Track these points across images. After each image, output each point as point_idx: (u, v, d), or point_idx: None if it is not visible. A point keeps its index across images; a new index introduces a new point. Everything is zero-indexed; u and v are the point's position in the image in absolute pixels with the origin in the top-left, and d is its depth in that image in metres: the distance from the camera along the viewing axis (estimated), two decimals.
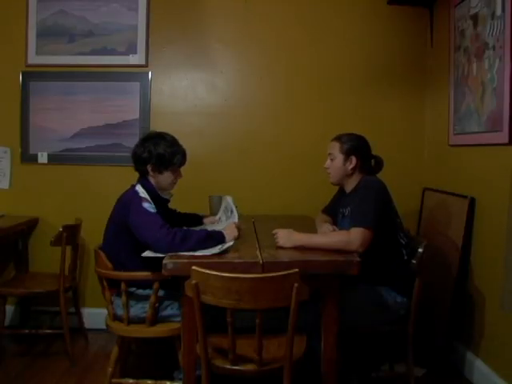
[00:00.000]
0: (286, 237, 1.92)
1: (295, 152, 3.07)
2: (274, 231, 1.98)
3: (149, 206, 2.01)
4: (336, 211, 2.33)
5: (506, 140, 2.11)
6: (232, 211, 2.18)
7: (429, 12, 3.01)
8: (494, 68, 2.22)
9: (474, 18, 2.42)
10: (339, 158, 2.15)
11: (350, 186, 2.20)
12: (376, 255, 1.98)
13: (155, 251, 1.86)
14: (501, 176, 2.17)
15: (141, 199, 2.04)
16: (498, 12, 2.18)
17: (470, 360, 2.39)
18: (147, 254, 1.87)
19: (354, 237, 1.87)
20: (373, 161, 2.23)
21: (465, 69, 2.54)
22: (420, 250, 2.02)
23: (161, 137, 2.19)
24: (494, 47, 2.22)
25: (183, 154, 2.22)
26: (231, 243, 1.90)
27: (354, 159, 2.13)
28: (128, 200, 2.07)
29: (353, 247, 1.85)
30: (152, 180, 2.18)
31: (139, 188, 2.12)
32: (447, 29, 2.75)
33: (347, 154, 2.14)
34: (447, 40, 2.75)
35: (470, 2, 2.47)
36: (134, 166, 2.22)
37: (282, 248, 1.89)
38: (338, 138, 2.19)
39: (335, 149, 2.17)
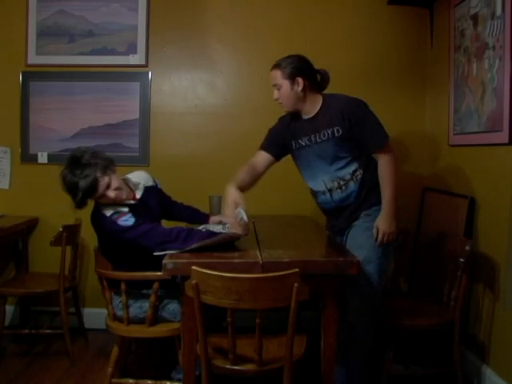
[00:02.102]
0: (388, 227, 2.01)
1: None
2: (377, 235, 2.03)
3: (124, 220, 1.92)
4: (285, 143, 2.23)
5: (506, 140, 2.11)
6: (242, 218, 2.13)
7: (429, 12, 3.01)
8: (494, 68, 2.22)
9: (474, 18, 2.42)
10: (285, 84, 2.06)
11: (309, 108, 2.12)
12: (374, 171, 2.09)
13: (162, 250, 1.85)
14: (501, 176, 2.17)
15: (112, 220, 1.94)
16: (498, 12, 2.18)
17: (477, 366, 2.39)
18: (157, 252, 1.86)
19: (391, 155, 2.04)
20: (318, 76, 2.14)
21: (465, 69, 2.54)
22: (467, 247, 2.09)
23: (65, 174, 1.94)
24: (493, 47, 2.22)
25: (90, 183, 1.92)
26: (239, 232, 1.90)
27: (300, 80, 2.05)
28: (105, 231, 1.99)
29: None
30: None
31: (101, 207, 2.00)
32: (447, 29, 2.75)
33: (292, 78, 2.05)
34: (447, 40, 2.75)
35: (469, 2, 2.47)
36: None
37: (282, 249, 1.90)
38: (277, 66, 2.09)
39: (277, 77, 2.08)
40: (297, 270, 1.55)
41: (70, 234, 2.59)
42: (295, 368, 1.67)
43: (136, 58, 3.06)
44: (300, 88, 2.06)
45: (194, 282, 1.58)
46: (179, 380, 2.02)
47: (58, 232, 2.54)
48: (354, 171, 2.10)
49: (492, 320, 2.24)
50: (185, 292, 1.65)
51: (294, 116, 2.20)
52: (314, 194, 2.25)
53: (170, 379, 2.13)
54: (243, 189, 2.13)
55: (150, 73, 3.08)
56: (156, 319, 2.04)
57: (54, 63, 3.06)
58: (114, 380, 2.07)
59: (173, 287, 2.11)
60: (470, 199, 2.40)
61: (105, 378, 2.08)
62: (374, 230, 2.05)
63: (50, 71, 3.07)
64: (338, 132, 2.05)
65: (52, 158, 3.07)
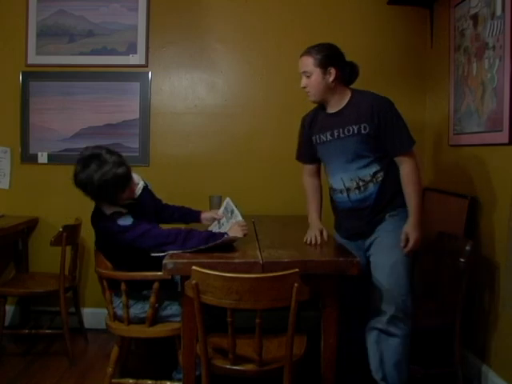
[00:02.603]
0: (418, 234, 1.95)
1: (295, 152, 3.06)
2: (406, 243, 1.96)
3: (123, 220, 1.92)
4: (315, 146, 2.15)
5: (506, 140, 2.11)
6: (233, 211, 2.14)
7: (429, 12, 3.01)
8: (494, 68, 2.22)
9: (474, 18, 2.42)
10: (316, 72, 1.97)
11: (336, 101, 2.04)
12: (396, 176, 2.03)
13: (162, 252, 1.85)
14: (501, 176, 2.17)
15: (112, 219, 1.93)
16: (498, 12, 2.18)
17: (477, 366, 2.39)
18: (156, 253, 1.86)
19: (415, 160, 1.99)
20: (348, 68, 2.06)
21: (465, 69, 2.54)
22: (468, 248, 2.08)
23: (92, 175, 1.92)
24: (493, 47, 2.22)
25: (121, 176, 1.93)
26: (239, 235, 1.92)
27: (332, 70, 1.96)
28: (103, 231, 1.99)
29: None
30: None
31: (102, 207, 2.00)
32: (447, 29, 2.75)
33: (324, 66, 1.96)
34: (447, 40, 2.75)
35: (469, 2, 2.47)
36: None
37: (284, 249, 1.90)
38: (308, 52, 1.99)
39: (309, 64, 1.98)
40: (297, 270, 1.55)
41: (69, 234, 2.59)
42: (295, 368, 1.67)
43: (136, 58, 3.06)
44: (331, 78, 1.97)
45: (194, 282, 1.58)
46: (179, 380, 2.02)
47: (58, 232, 2.54)
48: (375, 173, 2.02)
49: (492, 320, 2.24)
50: (185, 292, 1.65)
51: (317, 111, 2.14)
52: (332, 191, 2.17)
53: (171, 379, 2.13)
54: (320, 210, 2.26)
55: (149, 73, 3.07)
56: (156, 319, 2.04)
57: (54, 63, 3.06)
58: (113, 380, 2.07)
59: (173, 288, 2.11)
60: (470, 199, 2.40)
61: (105, 377, 2.08)
62: (403, 237, 1.96)
63: (49, 71, 3.07)
64: (364, 129, 1.96)
65: (52, 158, 3.08)
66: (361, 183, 2.03)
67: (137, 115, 3.08)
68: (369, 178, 2.02)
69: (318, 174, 2.29)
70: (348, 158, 2.02)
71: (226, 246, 1.89)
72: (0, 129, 3.09)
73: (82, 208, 2.99)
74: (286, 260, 1.73)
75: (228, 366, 1.67)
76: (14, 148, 3.09)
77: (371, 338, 2.01)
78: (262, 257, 1.75)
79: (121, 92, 3.07)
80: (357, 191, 2.04)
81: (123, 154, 3.04)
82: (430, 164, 3.03)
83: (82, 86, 3.07)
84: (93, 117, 3.07)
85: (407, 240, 1.96)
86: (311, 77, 1.98)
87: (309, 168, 2.29)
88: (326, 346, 1.78)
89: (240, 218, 2.06)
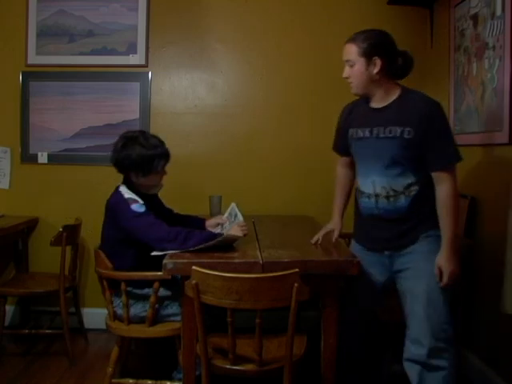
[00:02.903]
0: (455, 266, 1.74)
1: (295, 152, 3.07)
2: (440, 276, 1.75)
3: (137, 207, 1.98)
4: (351, 139, 1.94)
5: (506, 140, 2.11)
6: (236, 215, 2.18)
7: (429, 12, 3.01)
8: (494, 68, 2.22)
9: (474, 18, 2.42)
10: (360, 62, 1.78)
11: (381, 96, 1.83)
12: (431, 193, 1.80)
13: (160, 250, 1.87)
14: (501, 176, 2.17)
15: (127, 202, 2.00)
16: (498, 12, 2.18)
17: (478, 367, 2.39)
18: (155, 252, 1.87)
19: (454, 181, 1.75)
20: (400, 59, 1.84)
21: (465, 69, 2.54)
22: (467, 247, 2.06)
23: (138, 140, 2.07)
24: (493, 47, 2.22)
25: (164, 155, 2.12)
26: (239, 234, 1.94)
27: (377, 61, 1.76)
28: (115, 207, 2.04)
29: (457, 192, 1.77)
30: (136, 182, 2.12)
31: (123, 189, 2.08)
32: (447, 29, 2.75)
33: (369, 56, 1.76)
34: (447, 40, 2.75)
35: (470, 2, 2.47)
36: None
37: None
38: (353, 39, 1.80)
39: (352, 53, 1.79)
40: (297, 270, 1.55)
41: (69, 234, 2.59)
42: (295, 368, 1.68)
43: (136, 58, 3.06)
44: (376, 70, 1.77)
45: (194, 282, 1.58)
46: (179, 380, 2.02)
47: (58, 232, 2.54)
48: (409, 185, 1.80)
49: (493, 321, 2.24)
50: (185, 292, 1.65)
51: (360, 102, 1.95)
52: (359, 193, 1.95)
53: (171, 379, 2.13)
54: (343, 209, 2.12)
55: (149, 73, 3.07)
56: (156, 319, 2.04)
57: (54, 63, 3.06)
58: (113, 380, 2.07)
59: (174, 288, 2.11)
60: (471, 199, 2.40)
61: (105, 377, 2.08)
62: (436, 271, 1.76)
63: (49, 71, 3.07)
64: (408, 134, 1.75)
65: (52, 158, 3.08)
66: (391, 193, 1.82)
67: (137, 115, 3.08)
68: (401, 189, 1.80)
69: (353, 165, 2.05)
70: (383, 162, 1.81)
71: (226, 245, 1.90)
72: (0, 129, 3.09)
73: (82, 208, 3.03)
74: (285, 260, 1.73)
75: (228, 366, 1.67)
76: (13, 148, 3.09)
77: (413, 371, 1.81)
78: (262, 257, 1.75)
79: (121, 92, 3.07)
80: (385, 200, 1.83)
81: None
82: None
83: (81, 86, 3.07)
84: (93, 117, 3.07)
85: (441, 273, 1.75)
86: (354, 67, 1.80)
87: (344, 159, 2.10)
88: (326, 345, 1.78)
89: (241, 219, 2.09)
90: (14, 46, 3.05)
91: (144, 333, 2.04)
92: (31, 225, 3.04)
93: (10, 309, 2.98)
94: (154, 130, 3.09)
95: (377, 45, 1.78)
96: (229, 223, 2.23)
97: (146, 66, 3.07)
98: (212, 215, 2.63)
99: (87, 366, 2.56)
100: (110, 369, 2.06)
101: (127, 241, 2.02)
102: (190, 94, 3.11)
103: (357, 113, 1.94)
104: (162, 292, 2.07)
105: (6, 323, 2.78)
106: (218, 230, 2.25)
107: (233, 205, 2.32)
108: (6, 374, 2.43)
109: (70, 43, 3.06)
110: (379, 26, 3.00)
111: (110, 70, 3.07)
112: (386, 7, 3.02)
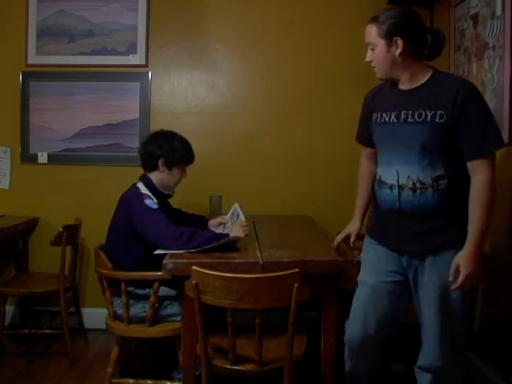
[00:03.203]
0: (474, 268, 1.54)
1: (295, 152, 3.07)
2: (455, 275, 1.55)
3: (151, 203, 2.05)
4: (375, 123, 1.76)
5: (506, 140, 2.10)
6: (238, 215, 2.21)
7: (429, 12, 3.01)
8: (494, 68, 2.22)
9: (474, 18, 2.42)
10: (380, 44, 1.64)
11: (409, 78, 1.66)
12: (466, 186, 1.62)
13: (164, 248, 1.89)
14: (501, 176, 2.16)
15: (142, 196, 2.07)
16: (498, 12, 2.18)
17: (478, 367, 2.39)
18: (159, 251, 1.89)
19: (493, 172, 1.61)
20: (429, 37, 1.68)
21: (465, 69, 2.54)
22: None
23: (173, 134, 2.27)
24: (493, 47, 2.22)
25: (193, 155, 2.31)
26: (240, 235, 1.96)
27: (399, 42, 1.61)
28: (130, 199, 2.10)
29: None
30: (157, 176, 2.20)
31: (140, 185, 2.15)
32: (447, 29, 2.75)
33: (389, 37, 1.62)
34: (447, 40, 2.74)
35: (469, 2, 2.47)
36: (141, 162, 2.25)
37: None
38: (374, 19, 1.68)
39: (372, 34, 1.66)
40: (297, 270, 1.55)
41: (69, 234, 2.59)
42: (295, 368, 1.68)
43: (136, 58, 3.06)
44: (398, 51, 1.61)
45: (194, 282, 1.58)
46: (179, 380, 2.03)
47: (58, 232, 2.54)
48: (438, 177, 1.60)
49: (492, 320, 2.24)
50: (185, 292, 1.65)
51: (385, 85, 1.78)
52: (379, 183, 1.73)
53: (171, 379, 2.13)
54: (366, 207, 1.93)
55: (149, 73, 3.07)
56: (156, 319, 2.04)
57: (54, 63, 3.06)
58: (113, 380, 2.07)
59: (174, 288, 2.12)
60: None
61: (105, 377, 2.08)
62: (452, 269, 1.55)
63: (49, 71, 3.07)
64: (440, 117, 1.57)
65: (52, 158, 3.07)
66: (418, 185, 1.61)
67: (137, 115, 3.08)
68: (429, 182, 1.60)
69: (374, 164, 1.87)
70: (411, 149, 1.62)
71: (228, 246, 1.90)
72: (0, 129, 3.09)
73: (82, 208, 3.03)
74: (285, 260, 1.74)
75: (228, 366, 1.67)
76: (13, 148, 3.09)
77: (424, 378, 1.74)
78: (262, 257, 1.76)
79: (121, 92, 3.07)
80: (410, 192, 1.63)
81: (123, 154, 3.09)
82: None
83: (81, 86, 3.07)
84: (93, 117, 3.07)
85: (457, 273, 1.55)
86: (375, 49, 1.66)
87: (368, 150, 1.91)
88: (326, 345, 1.78)
89: (243, 219, 2.11)
90: (14, 46, 3.05)
91: (144, 333, 2.04)
92: (31, 225, 3.04)
93: (9, 309, 2.98)
94: (154, 129, 3.07)
95: (399, 24, 1.62)
96: (231, 223, 2.26)
97: (145, 66, 3.07)
98: (212, 215, 2.64)
99: (87, 366, 2.56)
100: (110, 369, 2.07)
101: (134, 234, 2.05)
102: (189, 94, 3.11)
103: (382, 96, 1.78)
104: (165, 291, 2.08)
105: (6, 323, 2.78)
106: (220, 230, 2.26)
107: (236, 205, 2.35)
108: (6, 374, 2.43)
109: (70, 43, 3.06)
110: None
111: (110, 70, 3.06)
112: (386, 7, 3.01)
